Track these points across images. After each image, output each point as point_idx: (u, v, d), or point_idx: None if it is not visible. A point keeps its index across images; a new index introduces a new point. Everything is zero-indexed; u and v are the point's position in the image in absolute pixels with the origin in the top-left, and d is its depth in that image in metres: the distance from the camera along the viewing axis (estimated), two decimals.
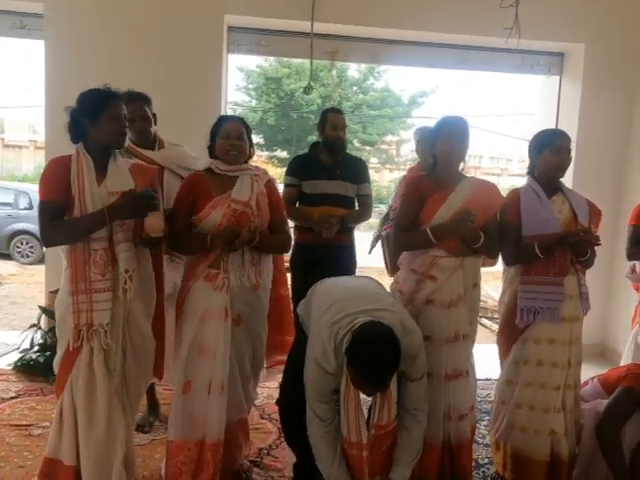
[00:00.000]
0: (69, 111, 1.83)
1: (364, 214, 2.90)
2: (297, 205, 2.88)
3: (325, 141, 2.85)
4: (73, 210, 1.78)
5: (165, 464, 2.02)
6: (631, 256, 2.59)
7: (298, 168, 2.88)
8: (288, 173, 2.90)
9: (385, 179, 17.96)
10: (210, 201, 1.98)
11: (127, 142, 2.38)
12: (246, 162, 2.09)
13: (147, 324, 1.92)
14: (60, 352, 1.85)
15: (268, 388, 3.02)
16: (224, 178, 2.03)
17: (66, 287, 1.81)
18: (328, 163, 2.82)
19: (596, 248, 2.08)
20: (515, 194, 2.15)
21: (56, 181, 1.79)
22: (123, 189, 1.83)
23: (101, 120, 1.79)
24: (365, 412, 1.81)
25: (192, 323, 1.98)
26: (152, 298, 1.96)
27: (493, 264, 2.47)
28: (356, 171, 2.87)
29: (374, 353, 1.58)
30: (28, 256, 8.57)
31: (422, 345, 1.79)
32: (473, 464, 2.36)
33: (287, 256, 2.58)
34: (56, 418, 1.85)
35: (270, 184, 2.12)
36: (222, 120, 2.09)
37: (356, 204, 2.91)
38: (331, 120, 2.81)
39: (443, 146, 2.08)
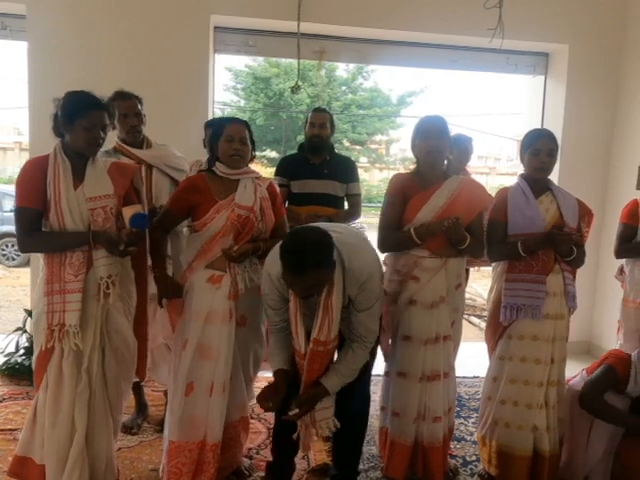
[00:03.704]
0: (55, 104, 1.79)
1: (353, 214, 2.90)
2: (286, 205, 2.89)
3: (305, 139, 2.88)
4: (50, 214, 1.75)
5: (164, 465, 1.99)
6: (619, 254, 2.60)
7: (286, 168, 2.88)
8: (277, 173, 2.90)
9: (375, 178, 18.00)
10: (213, 205, 1.95)
11: (115, 141, 2.40)
12: (247, 165, 2.07)
13: (126, 322, 1.89)
14: (36, 352, 1.83)
15: (258, 388, 3.01)
16: (226, 181, 2.01)
17: (42, 288, 1.78)
18: (316, 163, 2.83)
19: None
20: (503, 193, 2.18)
21: (32, 185, 1.74)
22: (102, 194, 1.80)
23: (76, 126, 1.75)
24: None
25: (196, 325, 1.95)
26: (132, 296, 1.94)
27: (485, 264, 2.48)
28: (345, 170, 2.87)
29: (297, 241, 1.64)
30: (14, 259, 8.44)
31: (373, 277, 1.79)
32: (461, 461, 2.38)
33: None
34: (29, 417, 1.84)
35: (272, 188, 2.11)
36: (226, 122, 2.04)
37: (346, 203, 2.92)
38: (310, 118, 2.84)
39: (422, 145, 2.09)
